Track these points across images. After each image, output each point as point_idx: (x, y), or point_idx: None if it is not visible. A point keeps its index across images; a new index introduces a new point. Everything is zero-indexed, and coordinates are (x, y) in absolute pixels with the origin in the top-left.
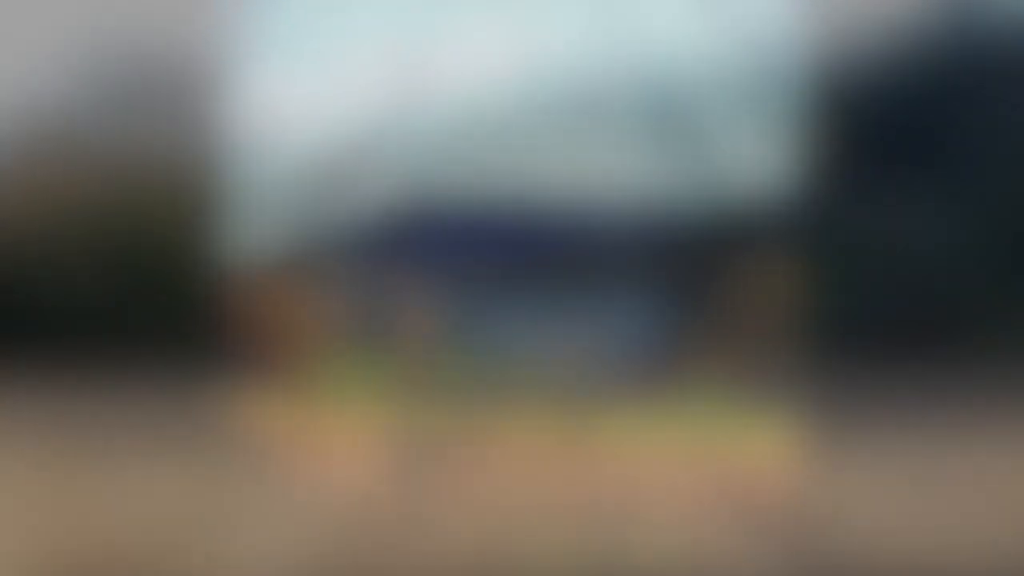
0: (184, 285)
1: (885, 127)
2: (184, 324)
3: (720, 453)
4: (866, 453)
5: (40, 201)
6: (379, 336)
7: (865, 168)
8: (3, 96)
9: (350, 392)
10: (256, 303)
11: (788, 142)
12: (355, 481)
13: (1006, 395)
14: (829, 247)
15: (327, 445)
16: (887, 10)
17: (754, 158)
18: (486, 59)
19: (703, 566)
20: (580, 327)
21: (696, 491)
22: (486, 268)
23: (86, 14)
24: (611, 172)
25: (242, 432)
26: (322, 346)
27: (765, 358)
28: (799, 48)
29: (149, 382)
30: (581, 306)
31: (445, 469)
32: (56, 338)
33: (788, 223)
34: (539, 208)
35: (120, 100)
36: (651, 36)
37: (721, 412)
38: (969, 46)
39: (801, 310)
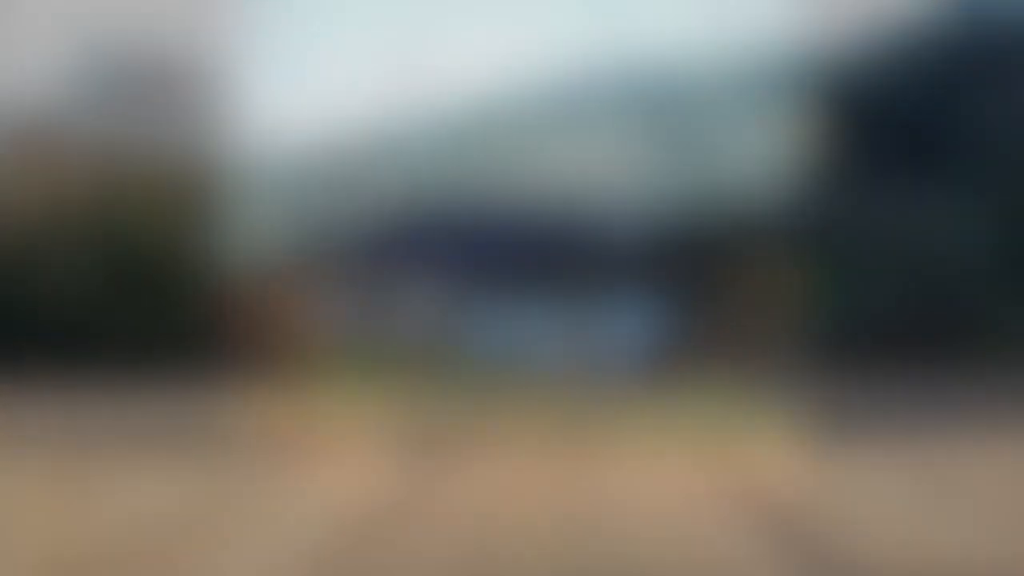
0: (184, 286)
1: (888, 127)
2: (184, 325)
3: (723, 454)
4: (869, 454)
5: (39, 201)
6: (379, 337)
7: (869, 168)
8: (2, 95)
9: (350, 392)
10: (256, 304)
11: (791, 143)
12: (355, 481)
13: (1013, 397)
14: (832, 248)
15: (327, 445)
16: (890, 9)
17: (757, 159)
18: (486, 62)
19: (705, 566)
20: (581, 328)
21: (698, 491)
22: (487, 269)
23: (87, 15)
24: (612, 174)
25: (243, 432)
26: (322, 347)
27: (768, 359)
28: (802, 49)
29: (150, 383)
30: (582, 307)
31: (446, 469)
32: (54, 339)
33: (791, 223)
34: (540, 209)
35: (120, 101)
36: (653, 39)
37: (723, 413)
38: (975, 44)
39: (805, 311)
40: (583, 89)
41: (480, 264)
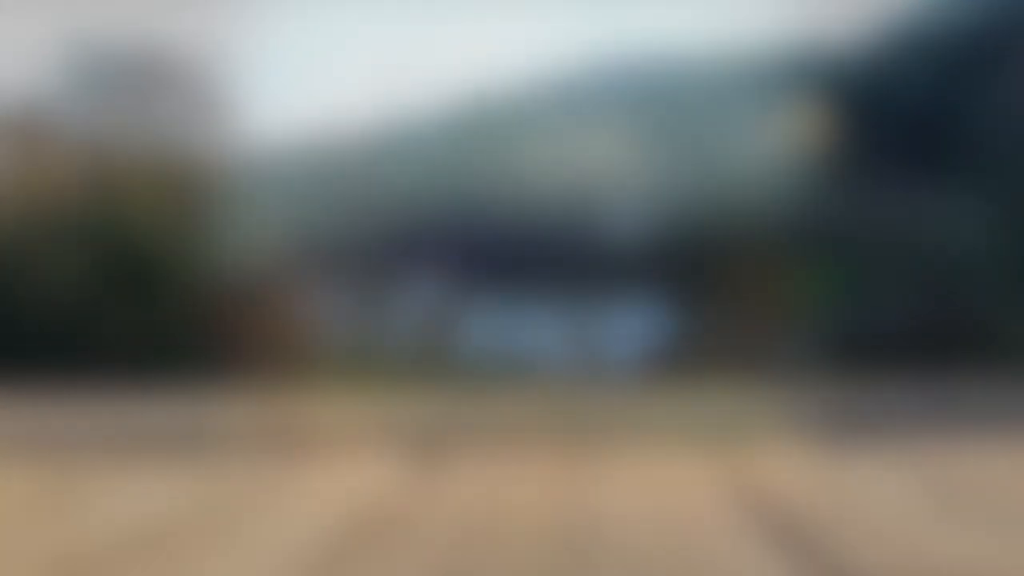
0: (180, 285)
1: (895, 125)
2: (180, 325)
3: (726, 456)
4: (875, 456)
5: (32, 201)
6: (379, 338)
7: (875, 168)
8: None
9: (349, 394)
10: (254, 304)
11: (796, 142)
12: (354, 483)
13: (1020, 400)
14: (837, 248)
15: (326, 447)
16: (893, 4)
17: (761, 159)
18: (486, 61)
19: (707, 568)
20: (583, 328)
21: (702, 493)
22: (487, 269)
23: (84, 11)
24: (614, 174)
25: (241, 434)
26: (321, 348)
27: (773, 361)
28: (806, 46)
29: (147, 383)
30: (584, 307)
31: (446, 471)
32: (47, 339)
33: (796, 224)
34: (541, 209)
35: (116, 99)
36: (655, 37)
37: (727, 415)
38: (980, 39)
39: (809, 312)
40: (583, 88)
41: (480, 264)
